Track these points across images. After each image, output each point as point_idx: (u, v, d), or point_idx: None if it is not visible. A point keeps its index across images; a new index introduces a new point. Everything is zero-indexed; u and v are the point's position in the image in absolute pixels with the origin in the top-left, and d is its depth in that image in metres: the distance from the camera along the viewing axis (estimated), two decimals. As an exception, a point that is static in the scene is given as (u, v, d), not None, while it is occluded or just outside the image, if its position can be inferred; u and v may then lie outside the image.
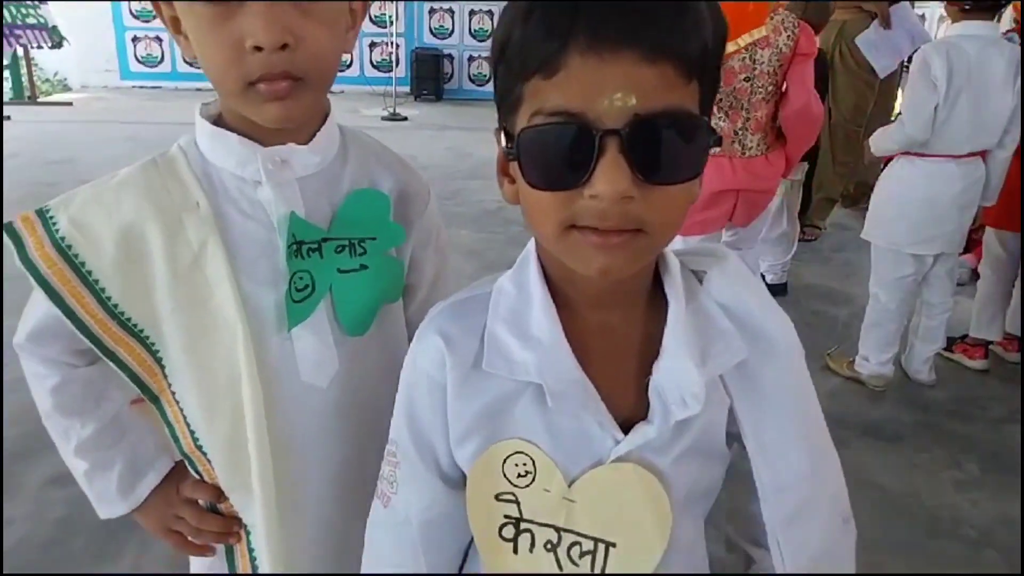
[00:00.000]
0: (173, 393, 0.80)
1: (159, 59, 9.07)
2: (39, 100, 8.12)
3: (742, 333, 0.62)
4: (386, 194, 0.82)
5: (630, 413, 0.61)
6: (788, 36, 2.34)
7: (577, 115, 0.51)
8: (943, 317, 2.57)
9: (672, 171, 0.53)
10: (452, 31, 9.28)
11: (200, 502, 0.87)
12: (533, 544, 0.62)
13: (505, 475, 0.62)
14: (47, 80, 8.86)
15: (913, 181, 2.40)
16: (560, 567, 0.62)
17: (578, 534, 0.62)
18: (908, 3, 3.84)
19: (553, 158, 0.53)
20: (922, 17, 6.92)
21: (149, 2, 0.77)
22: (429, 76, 9.00)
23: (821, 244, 4.21)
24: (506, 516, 0.63)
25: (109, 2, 8.88)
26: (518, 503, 0.62)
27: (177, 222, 0.75)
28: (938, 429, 2.39)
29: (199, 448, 0.81)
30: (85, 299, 0.74)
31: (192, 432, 0.81)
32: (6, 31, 7.09)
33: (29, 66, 8.00)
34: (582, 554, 0.61)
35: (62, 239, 0.73)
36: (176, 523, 0.87)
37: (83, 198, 0.76)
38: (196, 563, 0.93)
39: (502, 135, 0.58)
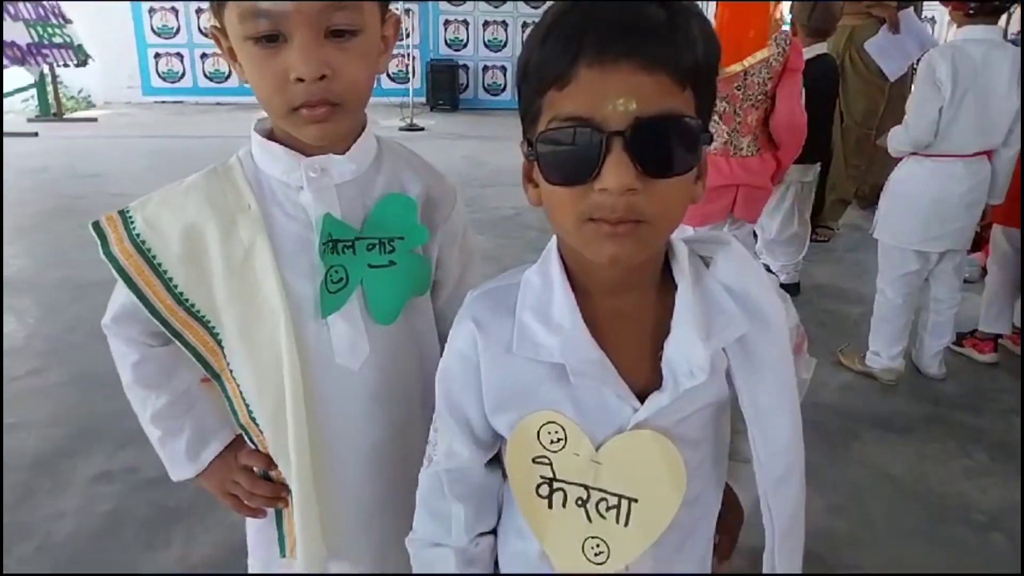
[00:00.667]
0: (231, 371, 0.89)
1: (180, 74, 9.27)
2: (65, 116, 8.34)
3: (743, 311, 0.69)
4: (414, 198, 0.90)
5: (646, 384, 0.68)
6: (779, 52, 2.55)
7: (586, 119, 0.59)
8: (951, 312, 2.63)
9: (669, 166, 0.61)
10: (467, 42, 9.42)
11: (255, 469, 0.97)
12: (565, 500, 0.71)
13: (540, 442, 0.70)
14: (72, 97, 9.08)
15: (921, 180, 2.47)
16: (589, 520, 0.71)
17: (604, 491, 0.70)
18: (912, 9, 3.90)
19: (567, 157, 0.61)
20: (932, 20, 6.97)
21: (208, 31, 0.87)
22: (445, 87, 9.16)
23: (834, 244, 4.27)
24: (541, 477, 0.71)
25: (131, 19, 9.09)
26: (551, 465, 0.71)
27: (232, 222, 0.85)
28: (948, 421, 2.45)
29: (252, 420, 0.91)
30: (156, 287, 0.85)
31: (247, 405, 0.90)
32: (33, 50, 7.29)
33: (55, 84, 8.21)
34: (608, 508, 0.70)
35: (138, 235, 0.85)
36: (233, 487, 0.97)
37: (156, 201, 0.87)
38: (251, 524, 1.04)
39: (526, 145, 0.67)
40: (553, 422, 0.70)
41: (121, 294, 0.89)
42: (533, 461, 0.71)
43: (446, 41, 9.41)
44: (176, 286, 0.86)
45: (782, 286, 3.45)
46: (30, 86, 8.18)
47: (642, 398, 0.68)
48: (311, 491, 0.88)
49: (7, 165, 5.91)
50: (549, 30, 0.62)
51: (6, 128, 7.20)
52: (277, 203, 0.86)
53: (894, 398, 2.60)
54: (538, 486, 0.72)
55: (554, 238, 0.73)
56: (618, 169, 0.59)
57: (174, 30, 9.09)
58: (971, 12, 2.35)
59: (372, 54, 0.81)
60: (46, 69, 7.86)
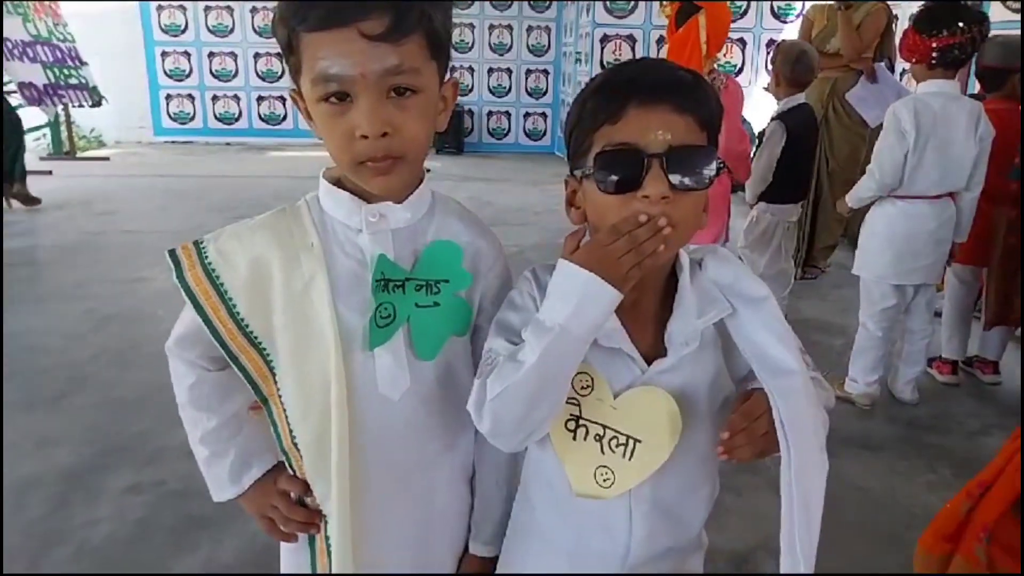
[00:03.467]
0: (280, 396, 0.95)
1: (191, 116, 9.55)
2: (77, 156, 8.59)
3: (730, 296, 0.89)
4: (459, 246, 0.96)
5: (654, 353, 0.88)
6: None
7: (633, 145, 0.81)
8: (923, 343, 2.83)
9: (692, 182, 0.82)
10: (472, 88, 9.74)
11: (292, 495, 1.01)
12: (587, 435, 0.89)
13: (573, 386, 0.86)
14: (83, 136, 9.35)
15: (893, 219, 2.69)
16: (602, 452, 0.88)
17: (616, 431, 0.88)
18: (884, 63, 4.19)
19: (617, 171, 0.82)
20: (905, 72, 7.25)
21: (288, 95, 0.95)
22: (451, 130, 9.36)
23: (821, 282, 4.48)
24: (570, 414, 0.89)
25: (145, 61, 9.39)
26: (579, 406, 0.88)
27: (295, 257, 0.91)
28: (918, 441, 2.63)
29: (295, 444, 0.96)
30: (220, 311, 0.92)
31: (291, 429, 0.95)
32: (49, 91, 7.56)
33: (69, 124, 8.48)
34: (618, 445, 0.88)
35: (209, 263, 0.92)
36: (270, 511, 1.01)
37: (228, 233, 0.94)
38: (285, 547, 1.07)
39: (572, 178, 0.89)
40: (585, 372, 0.88)
41: (186, 318, 0.96)
42: (566, 401, 0.87)
43: (451, 86, 9.72)
44: (238, 312, 0.92)
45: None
46: (44, 125, 8.45)
47: (651, 363, 0.88)
48: (348, 510, 0.93)
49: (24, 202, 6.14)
50: (603, 83, 0.85)
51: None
52: (338, 242, 0.93)
53: (870, 420, 2.78)
54: (567, 421, 0.89)
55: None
56: (656, 182, 0.80)
57: (186, 72, 9.39)
58: (932, 64, 2.57)
59: (430, 113, 0.89)
60: (60, 109, 8.13)
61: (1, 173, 5.72)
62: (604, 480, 0.89)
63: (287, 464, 1.00)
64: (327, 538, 0.97)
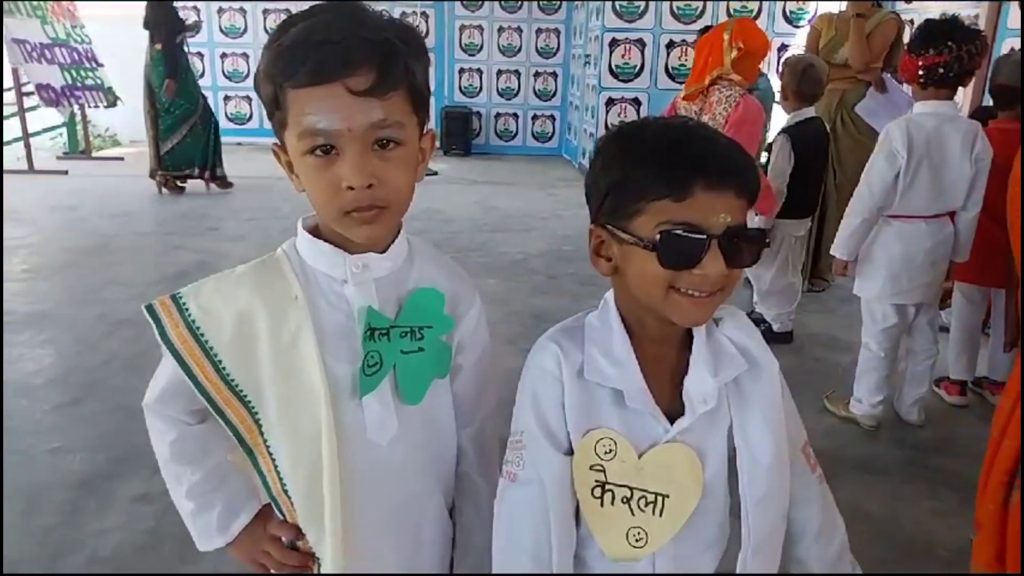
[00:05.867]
0: (268, 447, 0.96)
1: (205, 117, 9.62)
2: (93, 155, 8.67)
3: (745, 356, 0.93)
4: (442, 293, 0.99)
5: (671, 409, 0.91)
6: (724, 107, 2.93)
7: (697, 226, 0.82)
8: (928, 363, 2.82)
9: (743, 259, 0.86)
10: (480, 90, 9.77)
11: (283, 539, 1.02)
12: (614, 499, 0.90)
13: (596, 452, 0.89)
14: (99, 136, 9.44)
15: (889, 239, 2.68)
16: (632, 513, 0.90)
17: (644, 491, 0.89)
18: (890, 74, 4.16)
19: (681, 249, 0.83)
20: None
21: (271, 149, 0.96)
22: (458, 132, 9.49)
23: (829, 296, 4.46)
24: (596, 481, 0.89)
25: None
26: (604, 471, 0.89)
27: (281, 311, 0.92)
28: (923, 464, 2.62)
29: (284, 492, 0.97)
30: (205, 367, 0.93)
31: (280, 478, 0.96)
32: (67, 92, 7.64)
33: (85, 124, 8.57)
34: (647, 504, 0.90)
35: (192, 321, 0.93)
36: (262, 556, 1.03)
37: (209, 289, 0.95)
38: None
39: (600, 228, 0.90)
40: (608, 437, 0.90)
41: (167, 372, 0.97)
42: (590, 468, 0.89)
43: (460, 89, 9.76)
44: (224, 368, 0.93)
45: (776, 334, 3.66)
46: (60, 125, 8.54)
47: (669, 419, 0.90)
48: (342, 554, 0.95)
49: (39, 203, 6.21)
50: (665, 155, 0.84)
51: (37, 165, 7.55)
52: (322, 294, 0.94)
53: (874, 442, 2.78)
54: (592, 488, 0.90)
55: (610, 293, 0.95)
56: (715, 261, 0.83)
57: (199, 73, 9.44)
58: (921, 83, 2.55)
59: (412, 163, 0.91)
60: (77, 109, 8.22)
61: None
62: (637, 540, 0.90)
63: (277, 510, 1.02)
64: None
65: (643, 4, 7.64)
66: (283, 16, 0.91)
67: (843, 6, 4.40)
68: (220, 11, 9.43)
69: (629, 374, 0.90)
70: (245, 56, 9.55)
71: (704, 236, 0.82)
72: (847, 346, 3.61)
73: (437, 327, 0.99)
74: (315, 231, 0.96)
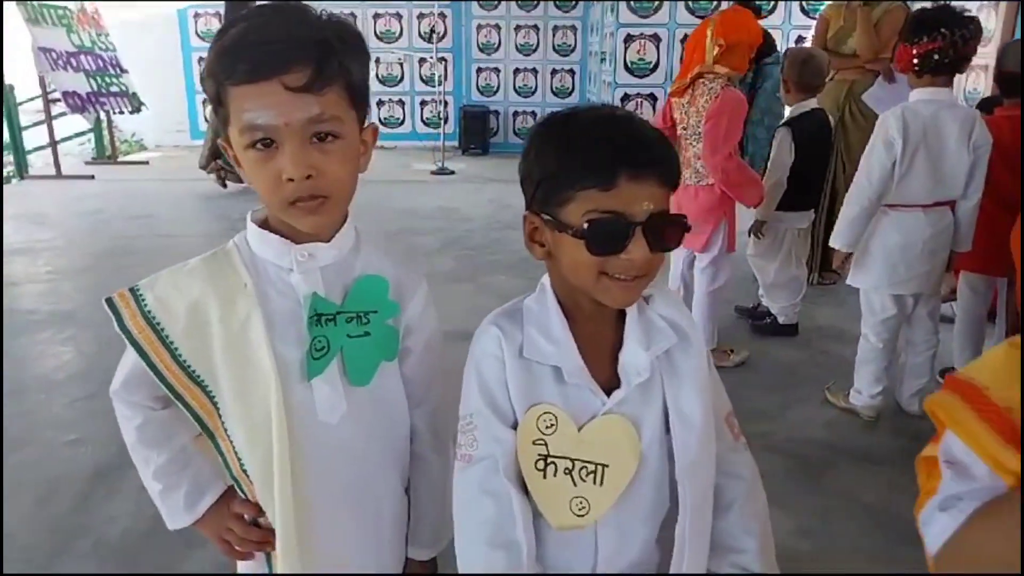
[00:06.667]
0: (225, 429, 1.00)
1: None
2: (119, 160, 8.87)
3: (672, 331, 0.98)
4: (386, 279, 1.03)
5: (609, 383, 0.96)
6: (706, 100, 2.96)
7: (622, 213, 0.87)
8: (928, 354, 2.81)
9: (666, 244, 0.90)
10: (498, 89, 9.82)
11: (245, 517, 1.07)
12: (556, 471, 0.94)
13: (538, 427, 0.93)
14: (125, 141, 9.65)
15: (886, 228, 2.66)
16: (575, 484, 0.94)
17: (585, 461, 0.94)
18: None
19: (606, 236, 0.87)
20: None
21: (220, 145, 1.01)
22: (476, 131, 9.55)
23: (840, 287, 4.42)
24: (538, 455, 0.93)
25: (182, 68, 9.65)
26: (546, 445, 0.93)
27: (230, 299, 0.97)
28: (921, 454, 2.61)
29: (244, 472, 1.01)
30: (163, 355, 0.97)
31: (239, 459, 1.00)
32: (92, 98, 7.83)
33: (111, 129, 8.76)
34: (588, 474, 0.94)
35: (149, 312, 0.97)
36: (226, 533, 1.08)
37: (164, 282, 0.99)
38: (242, 566, 1.14)
39: (538, 218, 0.93)
40: (549, 412, 0.94)
41: (129, 362, 1.01)
42: (532, 443, 0.94)
43: (478, 88, 9.82)
44: (181, 355, 0.97)
45: (782, 327, 3.65)
46: (87, 131, 8.74)
47: (607, 393, 0.95)
48: (291, 528, 0.99)
49: (66, 207, 6.39)
50: (590, 144, 0.88)
51: (65, 171, 7.76)
52: (270, 282, 0.99)
53: (873, 433, 2.78)
54: (536, 461, 0.94)
55: (546, 276, 1.00)
56: (639, 246, 0.87)
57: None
58: (917, 71, 2.53)
59: (352, 156, 0.95)
60: (102, 115, 8.41)
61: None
62: (580, 509, 0.94)
63: (239, 490, 1.07)
64: None
65: (657, 0, 7.63)
66: None
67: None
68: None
69: (566, 352, 0.95)
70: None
71: (629, 224, 0.86)
72: (853, 338, 3.55)
73: (382, 312, 1.03)
74: (265, 223, 1.01)
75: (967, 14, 2.50)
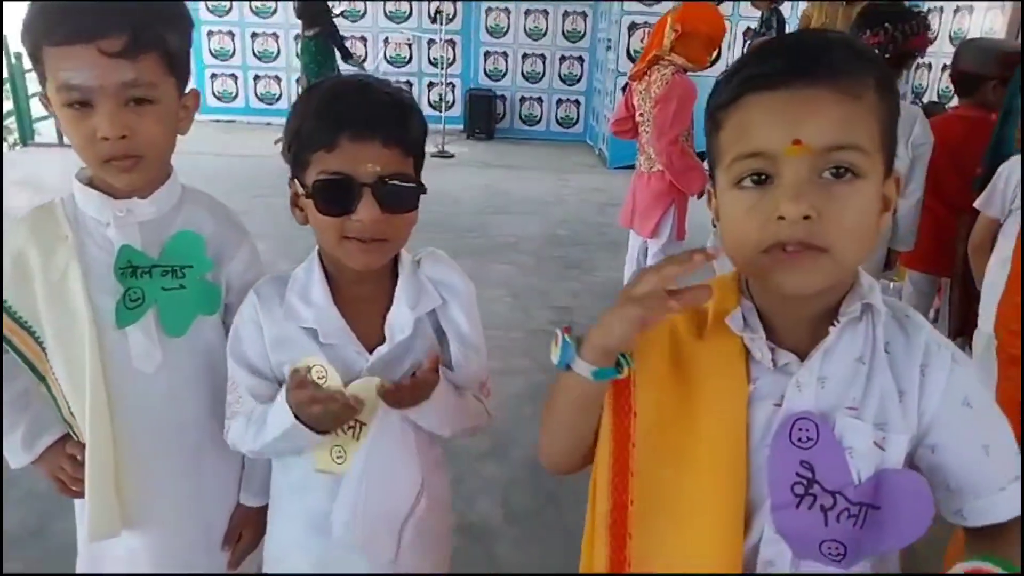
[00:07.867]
0: (53, 373, 1.07)
1: (234, 95, 9.84)
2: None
3: (441, 289, 1.05)
4: (201, 236, 1.09)
5: (379, 341, 1.02)
6: (659, 85, 2.99)
7: (347, 174, 0.92)
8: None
9: (400, 206, 0.95)
10: (505, 73, 9.80)
11: (77, 457, 1.12)
12: None
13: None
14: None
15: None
16: (336, 434, 1.01)
17: None
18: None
19: (334, 197, 0.93)
20: (928, 66, 7.02)
21: (39, 100, 1.05)
22: (482, 116, 9.50)
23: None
24: None
25: (192, 41, 9.70)
26: None
27: (51, 249, 1.03)
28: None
29: (72, 413, 1.08)
30: None
31: (67, 401, 1.08)
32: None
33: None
34: (348, 428, 1.01)
35: None
36: (60, 472, 1.14)
37: None
38: (77, 503, 1.18)
39: (295, 183, 0.98)
40: (321, 365, 1.00)
41: None
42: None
43: (485, 72, 9.80)
44: (7, 301, 1.05)
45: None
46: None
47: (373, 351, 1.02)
48: (108, 473, 1.06)
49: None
50: (320, 108, 0.94)
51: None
52: (89, 235, 1.05)
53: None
54: None
55: (317, 247, 1.05)
56: (370, 208, 0.92)
57: (230, 52, 9.70)
58: None
59: (168, 119, 1.02)
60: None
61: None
62: (338, 457, 1.02)
63: (71, 431, 1.14)
64: None
65: (662, -12, 7.57)
66: None
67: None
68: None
69: (324, 314, 1.00)
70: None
71: (355, 184, 0.91)
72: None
73: (197, 267, 1.10)
74: (90, 182, 1.07)
75: (916, 10, 2.50)
